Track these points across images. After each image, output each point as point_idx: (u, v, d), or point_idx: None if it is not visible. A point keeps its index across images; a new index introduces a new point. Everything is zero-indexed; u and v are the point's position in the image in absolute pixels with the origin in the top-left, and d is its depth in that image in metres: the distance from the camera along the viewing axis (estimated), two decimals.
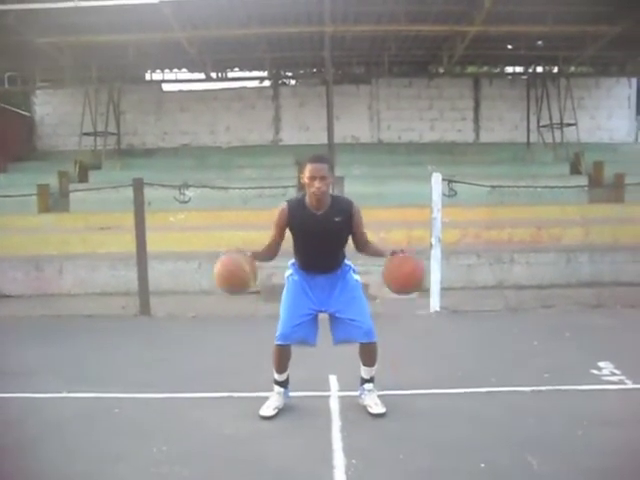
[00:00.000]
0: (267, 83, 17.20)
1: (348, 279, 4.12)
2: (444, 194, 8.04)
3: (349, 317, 4.02)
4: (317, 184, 3.83)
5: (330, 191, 4.01)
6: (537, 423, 3.95)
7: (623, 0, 10.36)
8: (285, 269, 4.25)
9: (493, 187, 8.96)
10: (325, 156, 4.11)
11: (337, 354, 4.52)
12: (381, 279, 3.99)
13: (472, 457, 3.49)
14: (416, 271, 3.91)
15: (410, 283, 3.94)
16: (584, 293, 8.42)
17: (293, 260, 4.20)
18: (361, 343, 4.08)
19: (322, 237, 3.94)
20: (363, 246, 4.12)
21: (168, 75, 16.73)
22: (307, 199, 3.97)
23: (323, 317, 4.15)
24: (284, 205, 4.02)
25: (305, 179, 3.89)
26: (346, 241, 4.09)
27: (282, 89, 16.92)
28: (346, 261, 4.18)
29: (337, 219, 3.94)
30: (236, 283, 3.80)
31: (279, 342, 4.07)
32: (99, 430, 4.00)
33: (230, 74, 16.50)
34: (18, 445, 3.78)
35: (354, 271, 4.19)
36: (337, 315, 4.06)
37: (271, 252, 4.08)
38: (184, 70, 16.48)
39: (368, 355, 4.14)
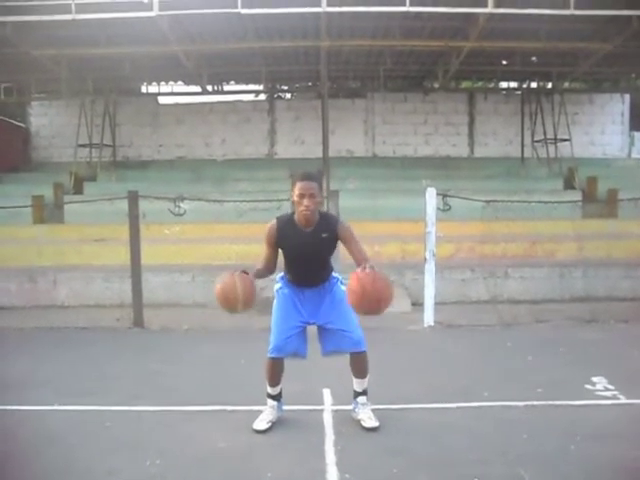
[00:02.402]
0: (263, 96, 17.23)
1: (336, 291, 4.13)
2: (438, 208, 8.05)
3: (340, 328, 4.03)
4: (306, 202, 3.83)
5: (320, 209, 4.01)
6: (530, 438, 3.95)
7: (615, 18, 10.46)
8: (274, 282, 4.26)
9: (487, 202, 8.97)
10: (315, 174, 4.08)
11: (331, 368, 4.52)
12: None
13: (465, 471, 3.49)
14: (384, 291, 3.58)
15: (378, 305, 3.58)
16: (578, 308, 8.44)
17: (282, 274, 4.22)
18: (351, 353, 4.09)
19: (310, 253, 3.97)
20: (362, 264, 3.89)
21: (164, 88, 16.80)
22: (296, 216, 3.98)
23: (312, 330, 4.15)
24: (273, 222, 4.03)
25: (294, 197, 3.89)
26: (332, 252, 4.09)
27: (278, 103, 16.98)
28: (334, 273, 4.20)
29: (324, 235, 3.95)
30: (227, 305, 3.75)
31: (272, 355, 4.08)
32: (91, 443, 3.97)
33: (226, 87, 16.56)
34: (8, 458, 3.75)
35: (342, 283, 4.20)
36: (327, 326, 4.07)
37: (269, 268, 4.08)
38: (180, 83, 16.53)
39: (359, 365, 4.14)
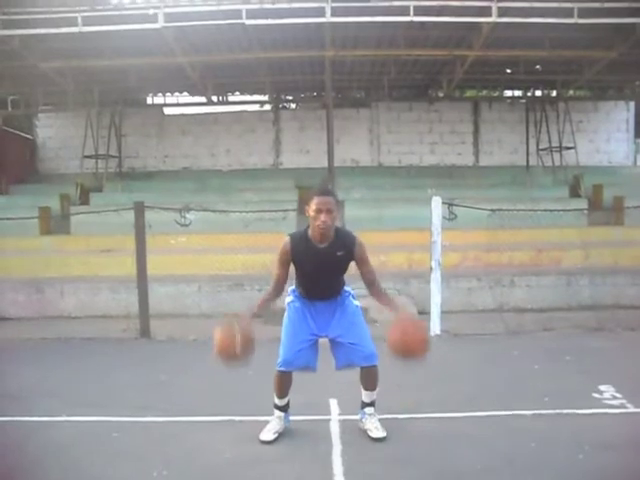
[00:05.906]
0: (268, 107, 17.33)
1: (348, 304, 4.12)
2: (444, 217, 8.06)
3: (350, 341, 4.01)
4: (323, 218, 3.79)
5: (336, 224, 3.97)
6: (538, 447, 3.93)
7: (619, 26, 10.49)
8: (286, 295, 4.25)
9: (493, 210, 8.98)
10: (331, 189, 4.08)
11: (337, 378, 4.50)
12: (388, 340, 3.74)
13: None
14: (424, 343, 3.74)
15: (418, 352, 3.74)
16: (584, 316, 8.41)
17: (293, 287, 4.20)
18: (362, 367, 4.07)
19: (324, 270, 3.94)
20: (371, 288, 4.01)
21: (169, 98, 16.91)
22: (310, 232, 3.94)
23: (323, 342, 4.15)
24: (287, 240, 3.99)
25: (310, 212, 3.85)
26: (346, 270, 4.07)
27: (282, 113, 17.05)
28: (345, 287, 4.18)
29: (339, 253, 3.92)
30: (225, 357, 3.76)
31: (281, 368, 4.06)
32: (98, 454, 3.97)
33: (231, 98, 16.67)
34: (17, 469, 3.76)
35: (353, 297, 4.19)
36: (338, 340, 4.05)
37: (278, 289, 4.03)
38: (185, 94, 16.64)
39: (369, 379, 4.13)
